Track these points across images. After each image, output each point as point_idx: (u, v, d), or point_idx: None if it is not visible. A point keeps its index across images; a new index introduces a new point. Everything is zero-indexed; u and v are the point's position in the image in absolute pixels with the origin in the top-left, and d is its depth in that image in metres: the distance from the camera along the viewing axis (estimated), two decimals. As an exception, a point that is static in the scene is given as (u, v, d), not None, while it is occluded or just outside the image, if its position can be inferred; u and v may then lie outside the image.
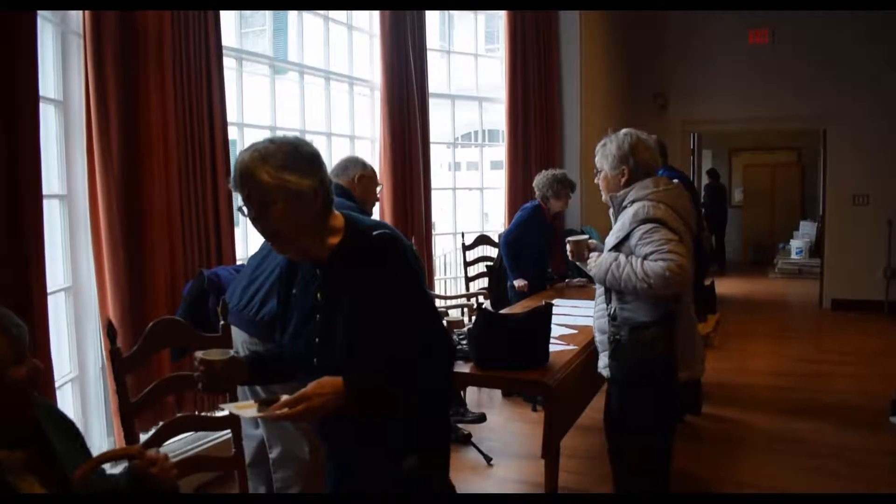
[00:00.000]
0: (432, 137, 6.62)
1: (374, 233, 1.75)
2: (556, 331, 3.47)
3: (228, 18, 4.35)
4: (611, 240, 2.71)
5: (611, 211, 2.78)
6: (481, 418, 4.36)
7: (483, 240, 6.25)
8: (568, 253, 2.82)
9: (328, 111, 5.39)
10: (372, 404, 1.71)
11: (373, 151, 5.73)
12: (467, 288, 6.07)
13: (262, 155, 1.66)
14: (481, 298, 5.73)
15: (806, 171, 12.98)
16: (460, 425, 4.35)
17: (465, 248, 6.08)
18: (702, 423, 4.63)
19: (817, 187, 10.73)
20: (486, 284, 6.05)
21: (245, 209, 1.70)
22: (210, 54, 3.74)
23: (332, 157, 5.52)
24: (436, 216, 7.29)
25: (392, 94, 5.46)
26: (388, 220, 5.58)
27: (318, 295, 1.83)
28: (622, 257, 2.60)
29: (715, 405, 4.91)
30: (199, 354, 1.85)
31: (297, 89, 5.13)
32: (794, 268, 11.56)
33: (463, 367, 2.90)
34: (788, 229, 12.42)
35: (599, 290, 2.77)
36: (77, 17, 3.26)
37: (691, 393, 4.66)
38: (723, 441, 4.32)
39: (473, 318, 4.70)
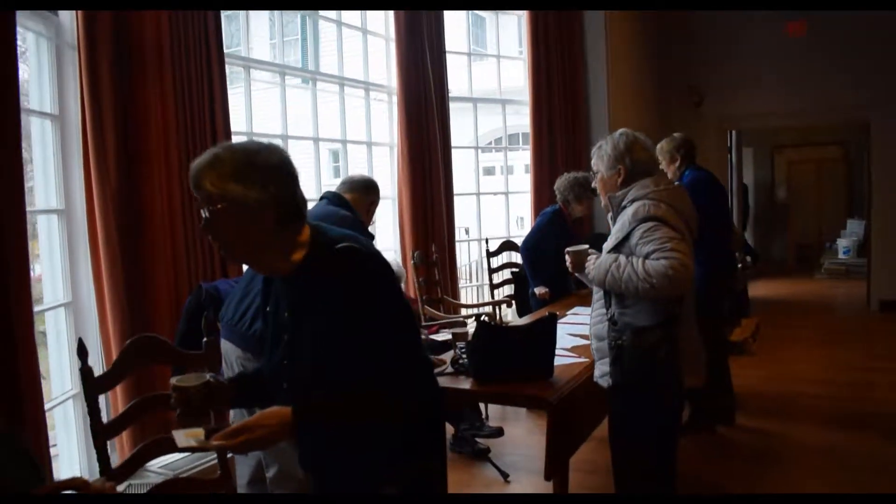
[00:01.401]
0: (460, 142, 6.53)
1: (338, 245, 1.62)
2: (568, 341, 3.31)
3: (263, 30, 4.33)
4: (610, 241, 2.58)
5: (609, 215, 2.67)
6: (499, 432, 4.20)
7: (508, 246, 6.08)
8: (568, 265, 2.67)
9: (343, 118, 5.29)
10: (328, 430, 1.61)
11: (391, 158, 5.61)
12: (492, 295, 5.92)
13: (211, 162, 1.55)
14: (500, 308, 5.56)
15: (853, 167, 12.47)
16: (478, 439, 4.19)
17: (490, 254, 5.92)
18: (734, 434, 4.39)
19: (866, 183, 10.29)
20: (511, 291, 5.89)
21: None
22: (211, 61, 3.67)
23: (347, 165, 5.44)
24: (465, 222, 7.19)
25: (409, 98, 5.35)
26: (407, 228, 5.47)
27: (287, 314, 1.71)
28: (622, 258, 2.47)
29: (749, 415, 4.66)
30: (172, 381, 1.74)
31: (321, 97, 5.06)
32: (842, 268, 11.11)
33: (463, 383, 2.76)
34: (835, 228, 11.95)
35: (597, 294, 2.63)
36: (71, 30, 3.21)
37: (724, 402, 4.44)
38: (756, 455, 4.07)
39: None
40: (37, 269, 3.55)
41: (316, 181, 5.00)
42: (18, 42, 3.25)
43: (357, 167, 5.74)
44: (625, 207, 2.54)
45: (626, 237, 2.49)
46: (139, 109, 3.37)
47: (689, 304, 2.61)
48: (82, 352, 2.15)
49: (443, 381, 2.79)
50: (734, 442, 4.28)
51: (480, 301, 6.78)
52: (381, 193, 5.64)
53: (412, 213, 5.46)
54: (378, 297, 1.62)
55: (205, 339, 2.47)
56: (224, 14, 3.97)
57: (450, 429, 4.10)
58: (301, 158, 5.51)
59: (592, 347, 2.67)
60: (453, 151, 5.96)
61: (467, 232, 7.14)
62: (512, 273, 5.93)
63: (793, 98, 8.19)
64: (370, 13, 5.53)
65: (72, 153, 3.29)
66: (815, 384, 5.45)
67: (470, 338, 2.78)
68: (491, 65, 6.98)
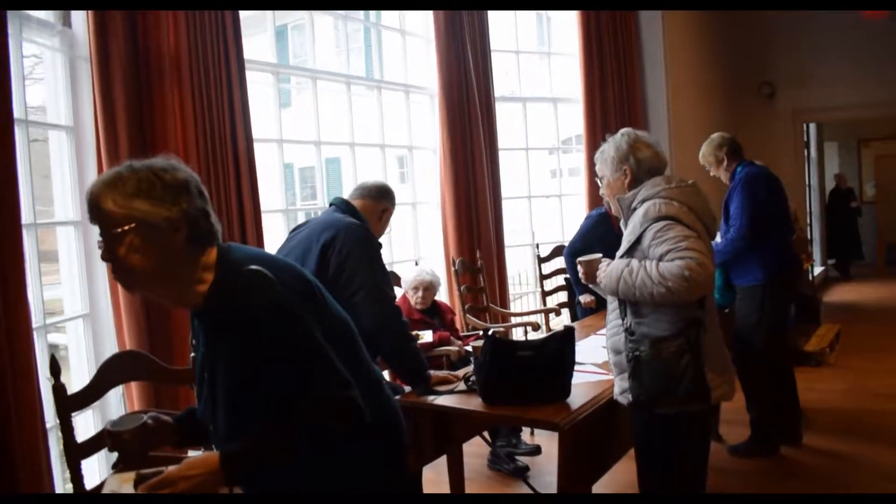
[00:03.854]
0: (511, 143, 6.31)
1: (244, 268, 1.46)
2: (600, 356, 3.05)
3: (327, 38, 4.32)
4: (622, 247, 2.37)
5: (622, 221, 2.44)
6: (536, 450, 3.96)
7: (561, 251, 5.81)
8: (581, 276, 2.45)
9: (381, 121, 5.15)
10: (259, 471, 1.45)
11: (434, 161, 5.44)
12: (544, 303, 5.66)
13: (112, 181, 1.43)
14: (551, 317, 5.31)
15: (951, 161, 11.56)
16: (517, 457, 3.97)
17: (541, 260, 5.67)
18: (800, 456, 3.99)
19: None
20: (565, 299, 5.63)
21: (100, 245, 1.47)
22: (231, 68, 3.59)
23: (386, 170, 5.30)
24: (518, 225, 6.95)
25: (451, 100, 5.18)
26: (450, 233, 5.29)
27: (203, 349, 1.57)
28: (634, 262, 2.25)
29: (819, 434, 4.24)
30: (107, 425, 1.62)
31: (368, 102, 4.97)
32: (938, 270, 10.31)
33: (468, 404, 2.54)
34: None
35: (612, 304, 2.40)
36: (84, 43, 3.17)
37: (789, 419, 4.06)
38: (821, 479, 3.68)
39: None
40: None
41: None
42: (33, 57, 3.27)
43: (422, 173, 5.63)
44: (635, 209, 2.34)
45: (638, 240, 2.28)
46: (156, 120, 3.32)
47: (712, 307, 2.37)
48: (54, 369, 2.06)
49: (451, 402, 2.59)
50: (798, 464, 3.90)
51: (532, 309, 6.53)
52: (428, 198, 5.60)
53: (455, 219, 5.27)
54: (283, 326, 1.45)
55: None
56: (291, 26, 3.94)
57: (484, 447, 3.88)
58: (368, 165, 5.48)
59: (610, 362, 2.43)
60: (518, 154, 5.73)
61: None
62: (565, 280, 5.66)
63: (876, 87, 7.60)
64: (410, 13, 5.38)
65: (87, 165, 3.26)
66: (897, 400, 4.96)
67: (478, 355, 2.57)
68: (533, 62, 6.72)
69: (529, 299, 7.05)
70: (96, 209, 1.43)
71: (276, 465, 1.46)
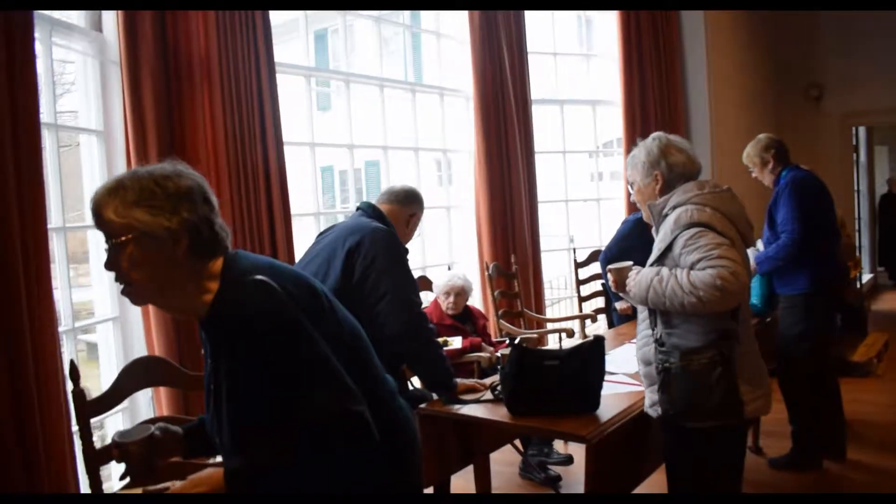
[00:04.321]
0: (548, 147, 6.23)
1: (247, 278, 1.42)
2: (630, 365, 2.95)
3: (366, 42, 4.35)
4: (653, 254, 2.28)
5: (654, 228, 2.36)
6: (568, 460, 3.87)
7: (598, 256, 5.69)
8: (610, 284, 2.36)
9: (415, 124, 5.11)
10: (262, 488, 1.41)
11: (469, 164, 5.37)
12: (580, 308, 5.56)
13: (114, 189, 1.40)
14: (587, 323, 5.20)
15: None
16: (549, 466, 3.88)
17: (578, 265, 5.57)
18: (844, 470, 3.83)
19: None
20: (601, 304, 5.52)
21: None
22: (261, 71, 3.57)
23: (420, 173, 5.25)
24: (556, 230, 6.85)
25: (486, 102, 5.11)
26: (484, 237, 5.21)
27: (209, 360, 1.53)
28: (665, 271, 2.17)
29: (864, 448, 4.06)
30: (114, 436, 1.60)
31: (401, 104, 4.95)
32: None
33: (494, 414, 2.47)
34: None
35: (643, 313, 2.32)
36: (115, 47, 3.19)
37: (833, 432, 3.90)
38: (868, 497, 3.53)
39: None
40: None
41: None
42: (67, 63, 3.29)
43: (457, 176, 5.59)
44: (666, 216, 2.25)
45: (669, 247, 2.19)
46: (186, 123, 3.32)
47: (747, 318, 2.27)
48: (74, 374, 2.05)
49: (477, 411, 2.52)
50: (841, 479, 3.73)
51: (568, 315, 6.42)
52: (462, 201, 5.55)
53: (490, 222, 5.20)
54: (284, 338, 1.40)
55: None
56: (330, 30, 3.96)
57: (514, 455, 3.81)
58: (407, 168, 5.45)
59: (640, 374, 2.35)
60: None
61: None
62: (602, 285, 5.55)
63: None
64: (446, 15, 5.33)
65: (117, 169, 3.27)
66: (949, 414, 4.75)
67: (503, 364, 2.50)
68: (571, 65, 6.62)
69: (566, 304, 6.95)
70: (98, 217, 1.41)
71: (280, 481, 1.41)
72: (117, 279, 1.46)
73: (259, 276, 1.41)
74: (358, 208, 2.90)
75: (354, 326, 1.63)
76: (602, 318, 5.38)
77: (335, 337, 1.49)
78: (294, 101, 4.18)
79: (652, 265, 2.25)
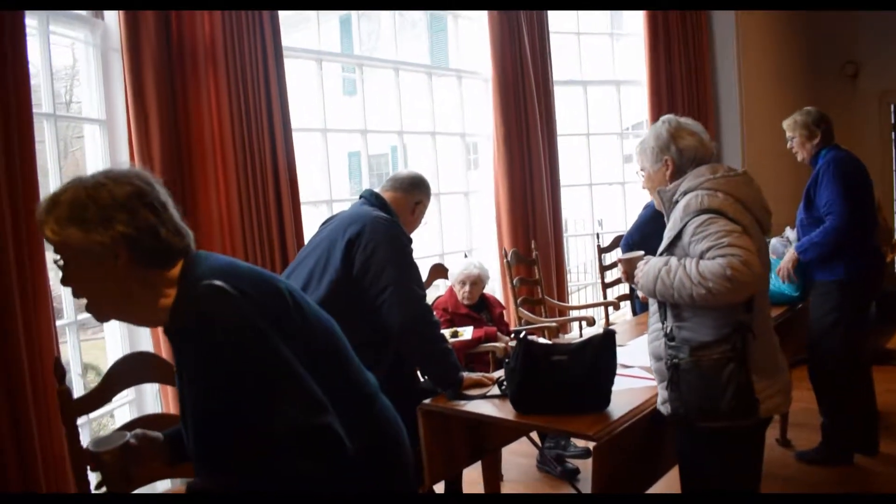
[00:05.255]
0: (572, 129, 6.09)
1: (201, 284, 1.32)
2: (647, 359, 2.82)
3: (390, 26, 4.27)
4: (663, 243, 2.15)
5: (665, 217, 2.22)
6: (586, 454, 3.75)
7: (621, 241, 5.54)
8: (621, 275, 2.24)
9: (432, 108, 5.00)
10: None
11: (487, 148, 5.25)
12: (604, 295, 5.42)
13: (49, 205, 1.32)
14: (607, 311, 5.06)
15: None
16: (567, 460, 3.78)
17: (601, 250, 5.42)
18: (876, 465, 3.66)
19: None
20: (626, 290, 5.37)
21: None
22: (268, 56, 3.49)
23: (437, 158, 5.15)
24: (580, 214, 6.71)
25: (505, 84, 4.98)
26: (504, 223, 5.09)
27: (176, 370, 1.45)
28: (673, 260, 2.04)
29: (898, 442, 3.90)
30: (89, 444, 1.52)
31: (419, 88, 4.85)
32: None
33: (500, 411, 2.37)
34: None
35: (653, 306, 2.19)
36: (116, 35, 3.12)
37: (864, 425, 3.73)
38: (899, 492, 3.38)
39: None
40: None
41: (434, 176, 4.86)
42: (67, 51, 3.24)
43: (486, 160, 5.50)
44: (677, 202, 2.12)
45: (679, 235, 2.06)
46: (191, 111, 3.27)
47: (763, 309, 2.12)
48: (59, 372, 1.99)
49: (482, 408, 2.42)
50: (872, 474, 3.57)
51: (592, 302, 6.28)
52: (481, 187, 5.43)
53: (510, 208, 5.08)
54: (233, 347, 1.28)
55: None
56: (356, 14, 3.89)
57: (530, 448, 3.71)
58: (430, 153, 5.37)
59: (652, 369, 2.23)
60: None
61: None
62: (625, 271, 5.40)
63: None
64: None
65: (121, 158, 3.23)
66: None
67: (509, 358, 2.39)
68: (596, 44, 6.43)
69: (591, 291, 6.80)
70: (44, 236, 1.34)
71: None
72: (74, 296, 1.39)
73: (212, 281, 1.31)
74: (361, 196, 2.80)
75: (327, 325, 1.53)
76: (626, 305, 5.24)
77: (304, 338, 1.39)
78: (323, 87, 4.12)
79: (661, 254, 2.12)
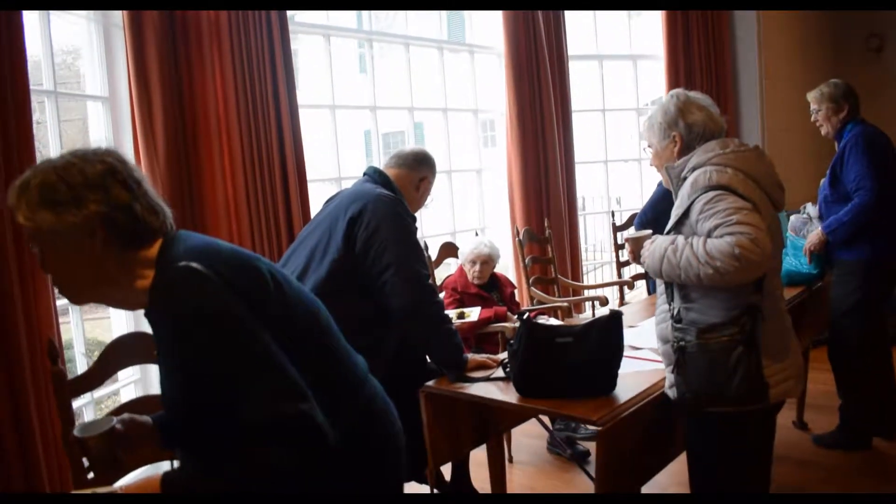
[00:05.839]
0: (587, 105, 5.97)
1: (176, 265, 1.27)
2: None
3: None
4: (670, 222, 2.07)
5: (674, 195, 2.14)
6: (597, 436, 3.70)
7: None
8: (628, 255, 2.17)
9: (444, 84, 4.91)
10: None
11: (501, 125, 5.16)
12: (619, 274, 5.33)
13: (20, 190, 1.28)
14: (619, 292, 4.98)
15: None
16: (578, 442, 3.73)
17: (616, 228, 5.33)
18: (895, 450, 3.58)
19: None
20: (641, 270, 5.28)
21: None
22: (273, 30, 3.43)
23: (449, 136, 5.07)
24: (597, 192, 6.61)
25: (518, 59, 4.88)
26: (517, 201, 5.01)
27: (156, 352, 1.41)
28: (680, 239, 1.96)
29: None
30: (74, 431, 1.48)
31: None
32: None
33: (503, 394, 2.31)
34: None
35: (661, 287, 2.12)
36: (117, 11, 3.08)
37: (883, 409, 3.63)
38: (919, 477, 3.29)
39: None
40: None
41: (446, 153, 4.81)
42: (71, 26, 3.20)
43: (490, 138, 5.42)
44: (685, 179, 2.03)
45: (686, 213, 1.98)
46: (195, 87, 3.22)
47: (774, 290, 2.04)
48: (53, 354, 1.96)
49: (485, 391, 2.37)
50: (892, 458, 3.49)
51: (608, 281, 6.19)
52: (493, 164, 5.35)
53: (522, 185, 5.00)
54: (207, 330, 1.24)
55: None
56: None
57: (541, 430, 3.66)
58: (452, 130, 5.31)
59: (659, 352, 2.16)
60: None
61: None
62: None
63: None
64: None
65: (123, 137, 3.19)
66: None
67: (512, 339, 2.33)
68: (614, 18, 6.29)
69: (609, 270, 6.71)
70: (18, 221, 1.29)
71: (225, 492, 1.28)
72: (54, 283, 1.36)
73: (187, 263, 1.26)
74: (364, 174, 2.74)
75: (312, 306, 1.47)
76: (641, 284, 5.16)
77: (284, 320, 1.34)
78: (332, 63, 4.05)
79: (668, 233, 2.05)
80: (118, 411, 1.93)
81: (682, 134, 2.09)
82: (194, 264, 1.26)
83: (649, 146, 2.22)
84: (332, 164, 4.30)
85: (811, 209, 3.82)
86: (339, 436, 1.32)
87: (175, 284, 1.25)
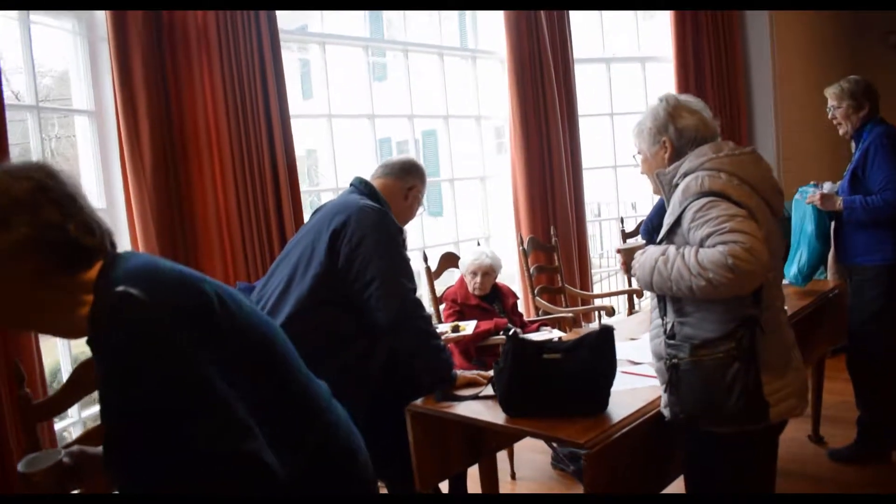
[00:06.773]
0: (594, 109, 5.86)
1: (113, 290, 1.16)
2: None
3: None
4: (662, 231, 1.96)
5: (666, 203, 2.03)
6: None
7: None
8: (620, 268, 2.07)
9: (444, 90, 4.82)
10: None
11: (504, 130, 5.06)
12: (629, 282, 5.21)
13: None
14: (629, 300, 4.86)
15: None
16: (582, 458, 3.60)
17: (626, 235, 5.20)
18: (915, 463, 3.42)
19: None
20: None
21: None
22: (262, 39, 3.35)
23: (451, 142, 4.98)
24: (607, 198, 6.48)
25: (521, 64, 4.78)
26: (522, 212, 4.90)
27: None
28: (671, 249, 1.85)
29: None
30: (19, 466, 1.38)
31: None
32: None
33: (490, 413, 2.20)
34: None
35: (653, 300, 2.01)
36: (102, 23, 3.02)
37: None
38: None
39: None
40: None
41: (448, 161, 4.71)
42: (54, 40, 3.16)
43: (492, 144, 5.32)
44: (677, 185, 1.93)
45: (678, 221, 1.87)
46: (184, 99, 3.16)
47: (773, 301, 1.92)
48: (18, 376, 1.89)
49: (471, 410, 2.26)
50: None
51: (618, 290, 6.06)
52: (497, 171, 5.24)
53: (527, 193, 4.89)
54: (141, 361, 1.13)
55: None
56: None
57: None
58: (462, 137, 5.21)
59: (654, 369, 2.05)
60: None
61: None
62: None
63: None
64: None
65: (110, 151, 3.13)
66: None
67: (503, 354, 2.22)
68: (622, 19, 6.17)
69: (620, 278, 6.57)
70: None
71: None
72: None
73: (125, 288, 1.15)
74: (350, 185, 2.65)
75: (264, 329, 1.36)
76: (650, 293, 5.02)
77: (232, 345, 1.23)
78: (327, 70, 3.98)
79: (660, 243, 1.93)
80: (71, 444, 1.85)
81: (673, 139, 1.99)
82: (132, 290, 1.15)
83: (639, 153, 2.11)
84: (340, 174, 4.21)
85: (828, 185, 3.58)
86: (294, 470, 1.22)
87: (110, 312, 1.15)
